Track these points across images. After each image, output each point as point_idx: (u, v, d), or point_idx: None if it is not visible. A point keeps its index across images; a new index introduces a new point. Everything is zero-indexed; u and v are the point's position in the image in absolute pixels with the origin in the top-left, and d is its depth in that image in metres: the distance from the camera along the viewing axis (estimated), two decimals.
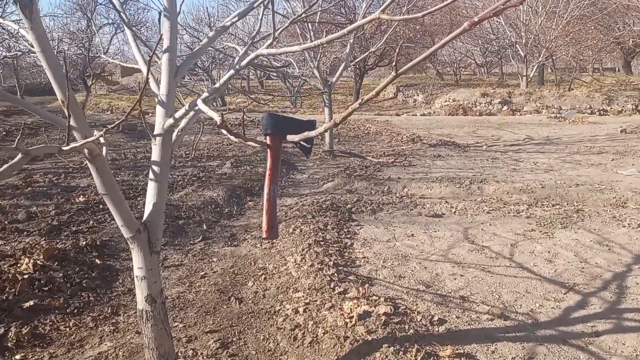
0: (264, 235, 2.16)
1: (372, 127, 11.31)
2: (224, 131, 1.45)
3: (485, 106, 15.06)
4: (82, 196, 5.49)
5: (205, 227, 4.82)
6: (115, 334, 3.02)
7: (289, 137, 1.84)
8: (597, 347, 2.78)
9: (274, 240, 4.28)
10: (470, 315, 3.11)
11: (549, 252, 4.16)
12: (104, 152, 2.31)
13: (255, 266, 3.94)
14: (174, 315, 3.22)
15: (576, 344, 2.82)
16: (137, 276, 2.24)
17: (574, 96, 15.53)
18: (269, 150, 2.11)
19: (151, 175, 2.23)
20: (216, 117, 1.79)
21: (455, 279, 3.61)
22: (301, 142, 1.79)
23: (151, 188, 2.23)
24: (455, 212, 5.21)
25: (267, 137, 2.14)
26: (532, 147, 9.24)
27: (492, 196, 5.96)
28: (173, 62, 2.22)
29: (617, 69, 28.70)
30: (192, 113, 2.37)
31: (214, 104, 15.80)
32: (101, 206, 5.20)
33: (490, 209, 5.30)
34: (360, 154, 2.26)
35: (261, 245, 4.31)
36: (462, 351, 2.67)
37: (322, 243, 4.11)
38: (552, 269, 3.82)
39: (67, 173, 6.71)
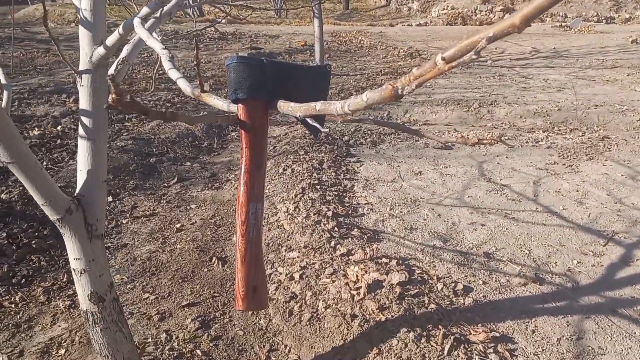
0: (240, 306, 1.38)
1: (365, 40, 10.32)
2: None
3: (486, 14, 13.93)
4: (36, 129, 4.75)
5: (182, 165, 4.17)
6: (71, 310, 2.48)
7: (287, 108, 1.05)
8: None
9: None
10: (499, 279, 2.60)
11: (577, 190, 3.63)
12: (3, 101, 1.61)
13: None
14: (144, 284, 2.68)
15: (627, 314, 2.35)
16: (74, 269, 1.63)
17: (581, 2, 14.41)
18: (242, 133, 1.25)
19: (81, 131, 1.55)
20: (159, 49, 1.10)
21: (475, 230, 3.08)
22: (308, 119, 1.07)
23: (83, 149, 1.56)
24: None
25: (240, 106, 1.24)
26: (539, 61, 8.46)
27: (504, 121, 5.33)
28: None
29: None
30: (137, 38, 1.64)
31: (192, 13, 14.40)
32: (59, 141, 4.49)
33: (505, 137, 4.69)
34: (418, 130, 1.60)
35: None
36: (497, 333, 2.18)
37: (318, 187, 3.51)
38: (585, 213, 3.30)
39: (21, 99, 5.87)
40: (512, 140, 4.61)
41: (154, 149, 4.38)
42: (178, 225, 3.25)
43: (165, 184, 3.86)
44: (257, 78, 1.18)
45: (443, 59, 0.61)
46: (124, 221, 3.30)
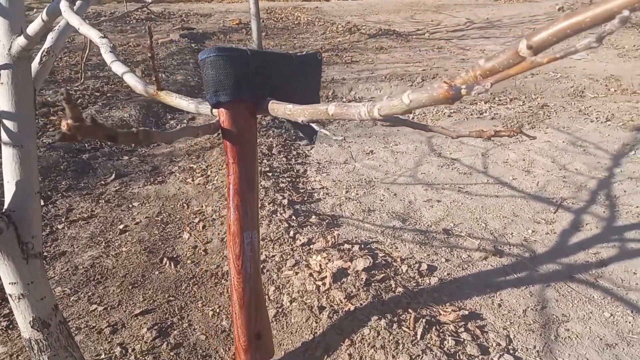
0: (243, 358, 1.18)
1: (302, 16, 10.10)
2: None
3: None
4: None
5: (118, 160, 3.89)
6: (9, 331, 2.24)
7: (283, 111, 0.86)
8: (608, 280, 2.40)
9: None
10: (461, 255, 2.60)
11: (524, 160, 3.71)
12: None
13: (189, 210, 3.17)
14: (90, 294, 2.46)
15: (584, 279, 2.42)
16: (10, 295, 1.43)
17: None
18: (227, 144, 1.06)
19: (4, 137, 1.34)
20: (97, 37, 0.93)
21: (432, 207, 3.07)
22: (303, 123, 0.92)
23: (9, 157, 1.35)
24: (413, 118, 4.59)
25: (222, 112, 1.04)
26: (475, 32, 8.62)
27: None
28: None
29: None
30: (63, 24, 1.43)
31: None
32: None
33: (450, 110, 4.72)
34: (426, 125, 1.37)
35: (193, 180, 3.51)
36: (466, 311, 2.18)
37: (270, 174, 3.37)
38: (533, 181, 3.38)
39: None
40: (458, 114, 4.65)
41: (86, 144, 4.05)
42: (121, 227, 3.02)
43: (102, 182, 3.58)
44: (243, 74, 0.98)
45: (529, 47, 0.47)
46: (60, 226, 3.03)
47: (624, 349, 1.98)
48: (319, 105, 0.74)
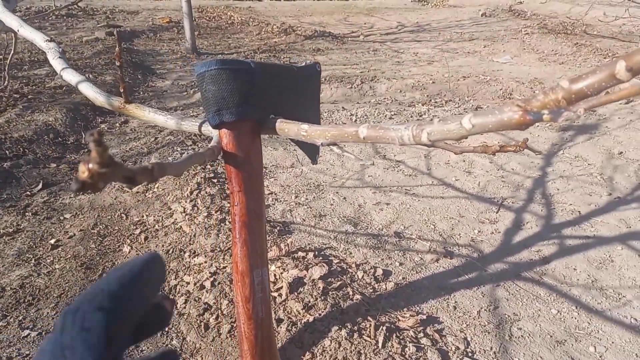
0: None
1: (236, 15, 9.89)
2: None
3: None
4: None
5: (45, 168, 3.58)
6: None
7: (297, 131, 0.76)
8: (551, 277, 2.50)
9: (153, 184, 3.28)
10: (413, 258, 2.62)
11: (464, 161, 3.82)
12: None
13: (128, 220, 2.97)
14: (21, 318, 2.23)
15: (530, 277, 2.51)
16: None
17: None
18: (231, 170, 0.92)
19: None
20: (43, 41, 0.84)
21: (382, 210, 3.08)
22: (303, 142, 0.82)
23: None
24: (356, 120, 4.60)
25: (224, 133, 0.91)
26: (407, 35, 8.84)
27: (386, 96, 5.45)
28: None
29: None
30: None
31: None
32: None
33: (391, 113, 4.78)
34: (447, 145, 1.33)
35: (131, 189, 3.29)
36: (423, 316, 2.18)
37: (215, 180, 3.23)
38: (475, 182, 3.48)
39: None
40: (398, 116, 4.72)
41: (7, 151, 3.69)
42: (52, 241, 2.77)
43: (28, 192, 3.27)
44: (248, 90, 0.85)
45: (629, 69, 0.42)
46: None
47: (572, 344, 2.06)
48: (346, 127, 0.67)
